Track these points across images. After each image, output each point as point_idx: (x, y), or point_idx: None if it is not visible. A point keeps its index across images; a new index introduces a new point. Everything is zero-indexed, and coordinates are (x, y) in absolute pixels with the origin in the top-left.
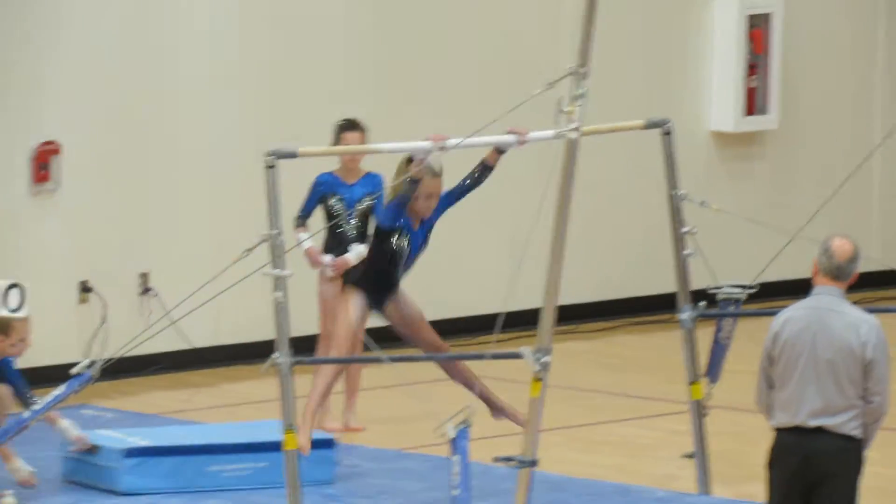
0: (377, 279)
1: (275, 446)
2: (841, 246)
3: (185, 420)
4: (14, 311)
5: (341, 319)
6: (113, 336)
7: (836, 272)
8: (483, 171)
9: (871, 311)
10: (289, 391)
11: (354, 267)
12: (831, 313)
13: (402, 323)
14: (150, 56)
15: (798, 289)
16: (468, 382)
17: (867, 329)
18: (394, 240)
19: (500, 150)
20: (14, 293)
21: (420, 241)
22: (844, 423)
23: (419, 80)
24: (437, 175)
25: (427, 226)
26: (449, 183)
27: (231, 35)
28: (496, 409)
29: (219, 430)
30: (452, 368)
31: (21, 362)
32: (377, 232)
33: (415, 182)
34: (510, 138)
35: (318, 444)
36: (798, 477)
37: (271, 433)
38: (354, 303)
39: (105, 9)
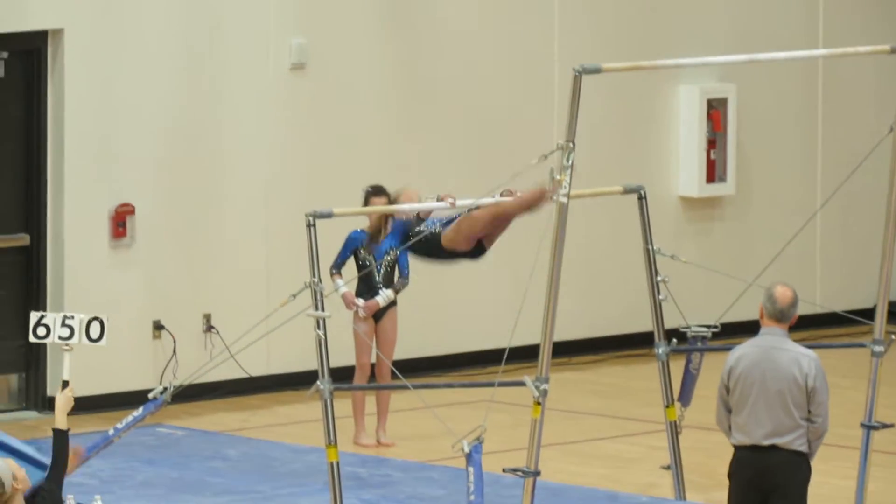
0: None
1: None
2: (783, 293)
3: (241, 437)
4: (95, 340)
5: None
6: (181, 367)
7: (779, 315)
8: None
9: (813, 347)
10: (329, 412)
11: (383, 308)
12: (777, 350)
13: None
14: (209, 129)
15: (753, 328)
16: None
17: (808, 362)
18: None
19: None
20: (95, 325)
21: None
22: (793, 440)
23: (435, 151)
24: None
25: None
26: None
27: (281, 110)
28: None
29: None
30: None
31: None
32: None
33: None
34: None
35: None
36: (754, 486)
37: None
38: None
39: (171, 92)
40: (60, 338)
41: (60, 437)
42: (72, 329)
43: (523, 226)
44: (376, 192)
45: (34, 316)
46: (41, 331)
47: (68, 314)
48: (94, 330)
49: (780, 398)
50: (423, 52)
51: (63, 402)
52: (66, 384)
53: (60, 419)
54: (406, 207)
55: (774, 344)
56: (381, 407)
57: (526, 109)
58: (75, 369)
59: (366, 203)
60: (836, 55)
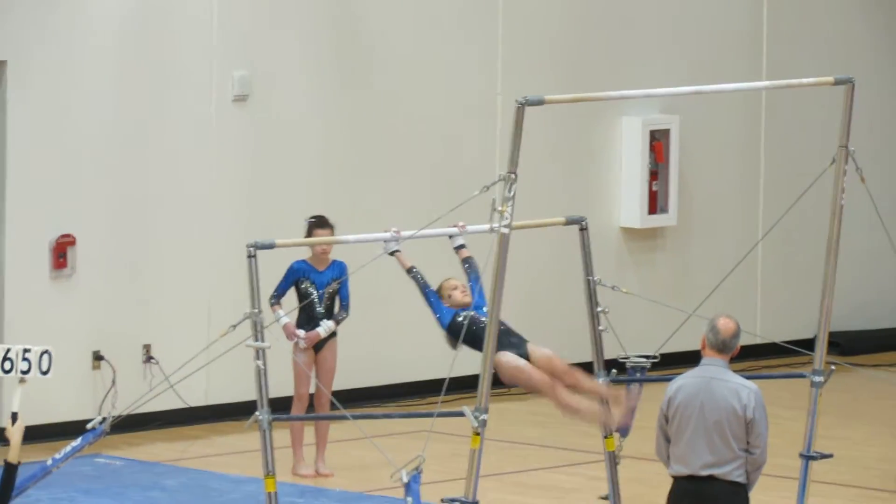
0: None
1: None
2: (725, 324)
3: (180, 467)
4: (44, 373)
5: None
6: (121, 397)
7: (720, 346)
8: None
9: (753, 377)
10: (268, 443)
11: (323, 339)
12: (717, 381)
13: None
14: (150, 159)
15: (693, 358)
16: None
17: (747, 394)
18: None
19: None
20: (45, 358)
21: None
22: (731, 471)
23: (380, 182)
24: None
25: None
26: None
27: (223, 142)
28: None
29: None
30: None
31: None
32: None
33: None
34: (454, 230)
35: None
36: None
37: None
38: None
39: (113, 123)
40: (21, 372)
41: (9, 473)
42: (30, 362)
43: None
44: (320, 223)
45: (1, 349)
46: (6, 365)
47: (27, 347)
48: (44, 362)
49: (718, 429)
50: (367, 84)
51: (17, 435)
52: (15, 417)
53: (13, 453)
54: (352, 238)
55: (715, 374)
56: (320, 437)
57: (469, 141)
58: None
59: (309, 234)
60: (781, 86)
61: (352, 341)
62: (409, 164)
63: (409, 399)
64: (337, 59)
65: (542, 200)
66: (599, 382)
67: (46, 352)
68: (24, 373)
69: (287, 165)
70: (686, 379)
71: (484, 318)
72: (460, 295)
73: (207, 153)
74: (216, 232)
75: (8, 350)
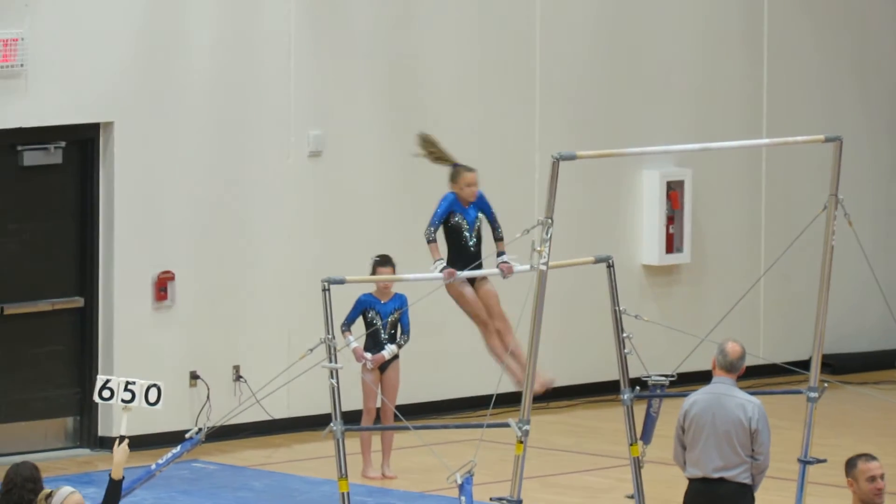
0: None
1: None
2: (733, 347)
3: (265, 471)
4: (152, 404)
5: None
6: (214, 410)
7: (728, 367)
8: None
9: (757, 393)
10: (341, 450)
11: (388, 360)
12: (726, 397)
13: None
14: (239, 207)
15: (705, 377)
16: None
17: (752, 408)
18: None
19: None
20: (153, 391)
21: (473, 214)
22: (739, 474)
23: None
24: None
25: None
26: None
27: (301, 191)
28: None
29: None
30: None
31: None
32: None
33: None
34: (499, 270)
35: None
36: None
37: None
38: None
39: (207, 175)
40: (123, 401)
41: (114, 487)
42: (133, 393)
43: (510, 289)
44: (383, 261)
45: (100, 379)
46: (106, 393)
47: (130, 380)
48: (153, 395)
49: (727, 438)
50: None
51: (121, 455)
52: (122, 439)
53: (117, 470)
54: (411, 277)
55: (724, 391)
56: (386, 445)
57: (511, 189)
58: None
59: (373, 271)
60: (778, 143)
61: (412, 362)
62: None
63: (462, 412)
64: (397, 120)
65: (575, 242)
66: (516, 342)
67: (155, 385)
68: (127, 402)
69: (354, 212)
70: (699, 395)
71: (467, 236)
72: (471, 193)
73: (288, 201)
74: (295, 269)
75: (108, 380)
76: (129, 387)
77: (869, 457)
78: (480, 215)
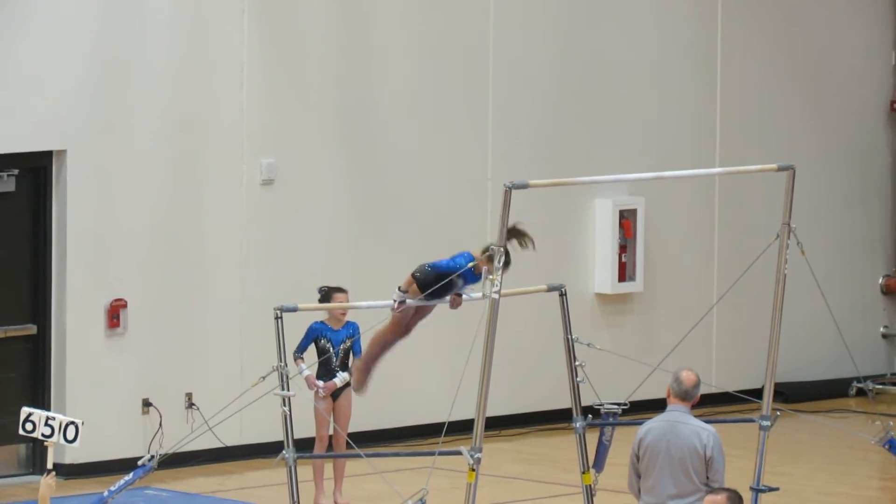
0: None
1: None
2: (688, 376)
3: (218, 498)
4: (70, 441)
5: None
6: (166, 438)
7: (683, 395)
8: None
9: (710, 422)
10: (293, 477)
11: (340, 388)
12: (681, 424)
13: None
14: (191, 235)
15: (657, 405)
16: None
17: (706, 435)
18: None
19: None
20: (71, 428)
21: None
22: (693, 502)
23: (386, 253)
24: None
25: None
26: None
27: (253, 220)
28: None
29: None
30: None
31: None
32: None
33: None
34: (449, 300)
35: None
36: None
37: None
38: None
39: (158, 203)
40: (43, 435)
41: None
42: (52, 428)
43: (461, 317)
44: (338, 289)
45: (24, 412)
46: (28, 426)
47: (51, 415)
48: (70, 432)
49: (682, 465)
50: (375, 169)
51: (44, 489)
52: (48, 472)
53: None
54: (364, 305)
55: (678, 419)
56: (338, 472)
57: (464, 218)
58: (78, 440)
59: (327, 299)
60: (731, 172)
61: None
62: (410, 238)
63: (414, 440)
64: (349, 148)
65: (527, 271)
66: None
67: (73, 423)
68: (47, 436)
69: (307, 239)
70: (654, 423)
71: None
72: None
73: (240, 229)
74: (247, 296)
75: (30, 413)
76: (49, 422)
77: (717, 490)
78: None
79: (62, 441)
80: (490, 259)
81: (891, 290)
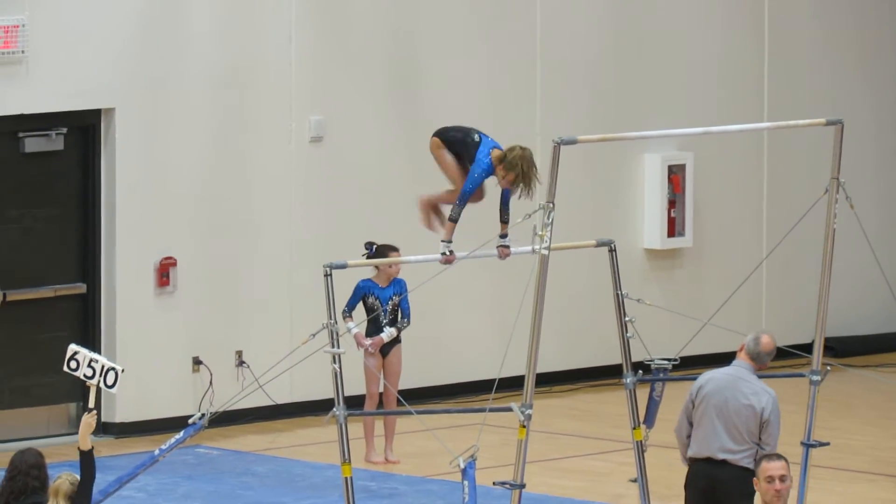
0: None
1: None
2: (767, 341)
3: (268, 455)
4: (109, 387)
5: None
6: (217, 396)
7: (755, 356)
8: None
9: (761, 377)
10: (344, 435)
11: (389, 345)
12: (743, 381)
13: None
14: (240, 193)
15: (708, 361)
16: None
17: (766, 398)
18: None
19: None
20: (111, 374)
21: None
22: (741, 458)
23: None
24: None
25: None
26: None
27: (302, 176)
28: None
29: None
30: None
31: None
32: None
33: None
34: (497, 251)
35: None
36: (707, 495)
37: None
38: None
39: (207, 161)
40: (85, 376)
41: (84, 457)
42: (94, 370)
43: (511, 273)
44: (391, 247)
45: (70, 349)
46: (73, 364)
47: (95, 357)
48: (110, 377)
49: (737, 422)
50: (424, 125)
51: (84, 427)
52: (90, 410)
53: (83, 441)
54: (413, 259)
55: (742, 376)
56: (388, 430)
57: None
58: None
59: (380, 255)
60: (779, 127)
61: (414, 347)
62: None
63: (464, 396)
64: (398, 103)
65: (576, 226)
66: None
67: (113, 369)
68: (89, 377)
69: (355, 196)
70: (716, 373)
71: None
72: (506, 183)
73: (288, 186)
74: (297, 254)
75: (76, 352)
76: (92, 363)
77: (773, 457)
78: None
79: (102, 385)
80: (500, 160)
81: None
